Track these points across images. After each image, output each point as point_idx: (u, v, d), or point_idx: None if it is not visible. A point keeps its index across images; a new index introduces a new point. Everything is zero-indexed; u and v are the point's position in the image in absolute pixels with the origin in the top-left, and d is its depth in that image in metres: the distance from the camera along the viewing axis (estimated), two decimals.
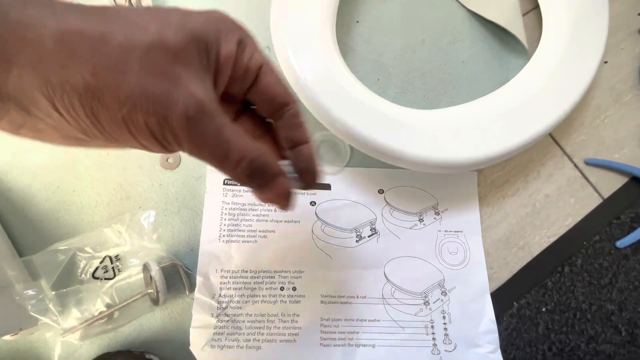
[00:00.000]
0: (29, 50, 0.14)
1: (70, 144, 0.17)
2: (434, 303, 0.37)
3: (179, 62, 0.16)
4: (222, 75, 0.18)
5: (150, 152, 0.18)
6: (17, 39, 0.14)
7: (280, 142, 0.22)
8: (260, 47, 0.19)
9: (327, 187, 0.39)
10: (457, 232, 0.39)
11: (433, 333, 0.36)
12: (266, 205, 0.38)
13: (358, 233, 0.38)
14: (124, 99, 0.15)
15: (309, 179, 0.21)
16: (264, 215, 0.38)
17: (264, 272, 0.36)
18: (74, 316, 0.33)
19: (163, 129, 0.16)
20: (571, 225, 0.40)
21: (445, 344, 0.36)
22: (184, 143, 0.16)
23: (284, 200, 0.20)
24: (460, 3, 0.45)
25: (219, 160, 0.17)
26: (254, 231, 0.37)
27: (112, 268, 0.35)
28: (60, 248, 0.34)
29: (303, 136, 0.21)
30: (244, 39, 0.18)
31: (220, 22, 0.18)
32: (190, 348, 0.33)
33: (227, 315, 0.34)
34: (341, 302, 0.36)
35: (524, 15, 0.45)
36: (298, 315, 0.35)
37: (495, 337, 0.36)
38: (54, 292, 0.33)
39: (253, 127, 0.22)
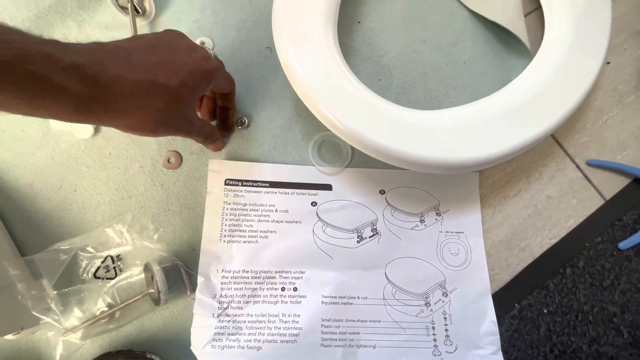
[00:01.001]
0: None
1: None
2: (435, 304, 0.37)
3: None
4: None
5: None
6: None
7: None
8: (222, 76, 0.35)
9: (328, 187, 0.39)
10: (459, 233, 0.39)
11: (434, 334, 0.36)
12: (267, 205, 0.38)
13: (359, 234, 0.38)
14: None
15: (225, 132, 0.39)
16: (265, 216, 0.38)
17: (264, 272, 0.36)
18: (75, 316, 0.33)
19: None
20: (573, 227, 0.40)
21: (447, 345, 0.36)
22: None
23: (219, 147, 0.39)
24: (462, 3, 0.45)
25: (194, 133, 0.33)
26: (255, 231, 0.37)
27: (114, 268, 0.35)
28: (62, 248, 0.34)
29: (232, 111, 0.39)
30: (218, 82, 0.34)
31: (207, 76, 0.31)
32: (191, 348, 0.34)
33: (228, 315, 0.35)
34: (342, 303, 0.36)
35: (526, 15, 0.45)
36: (299, 316, 0.35)
37: (496, 338, 0.36)
38: (55, 292, 0.33)
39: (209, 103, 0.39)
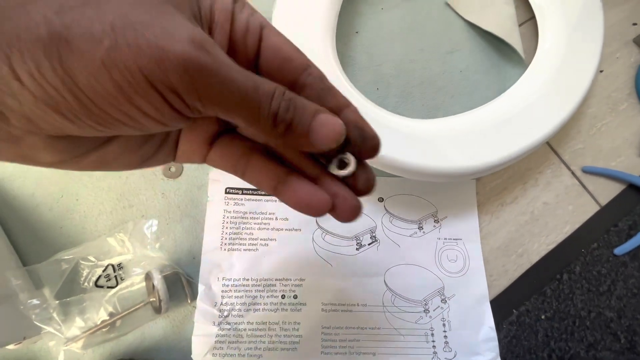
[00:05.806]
0: None
1: (52, 154, 0.14)
2: (434, 311, 0.37)
3: (168, 1, 0.13)
4: (218, 29, 0.14)
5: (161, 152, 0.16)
6: None
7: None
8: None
9: None
10: (457, 239, 0.40)
11: (433, 341, 0.36)
12: (267, 213, 0.38)
13: (358, 241, 0.38)
14: (99, 34, 0.11)
15: (371, 146, 0.16)
16: (265, 224, 0.38)
17: (265, 280, 0.36)
18: (77, 325, 0.33)
19: (165, 71, 0.11)
20: (569, 233, 0.41)
21: (445, 351, 0.36)
22: (201, 87, 0.12)
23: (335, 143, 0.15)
24: (458, 14, 0.46)
25: (249, 94, 0.13)
26: (256, 239, 0.37)
27: (115, 277, 0.36)
28: (64, 257, 0.34)
29: (341, 100, 0.16)
30: None
31: None
32: (192, 356, 0.34)
33: (228, 323, 0.35)
34: (342, 310, 0.36)
35: (520, 25, 0.46)
36: (299, 324, 0.35)
37: (495, 344, 0.37)
38: (57, 301, 0.33)
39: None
